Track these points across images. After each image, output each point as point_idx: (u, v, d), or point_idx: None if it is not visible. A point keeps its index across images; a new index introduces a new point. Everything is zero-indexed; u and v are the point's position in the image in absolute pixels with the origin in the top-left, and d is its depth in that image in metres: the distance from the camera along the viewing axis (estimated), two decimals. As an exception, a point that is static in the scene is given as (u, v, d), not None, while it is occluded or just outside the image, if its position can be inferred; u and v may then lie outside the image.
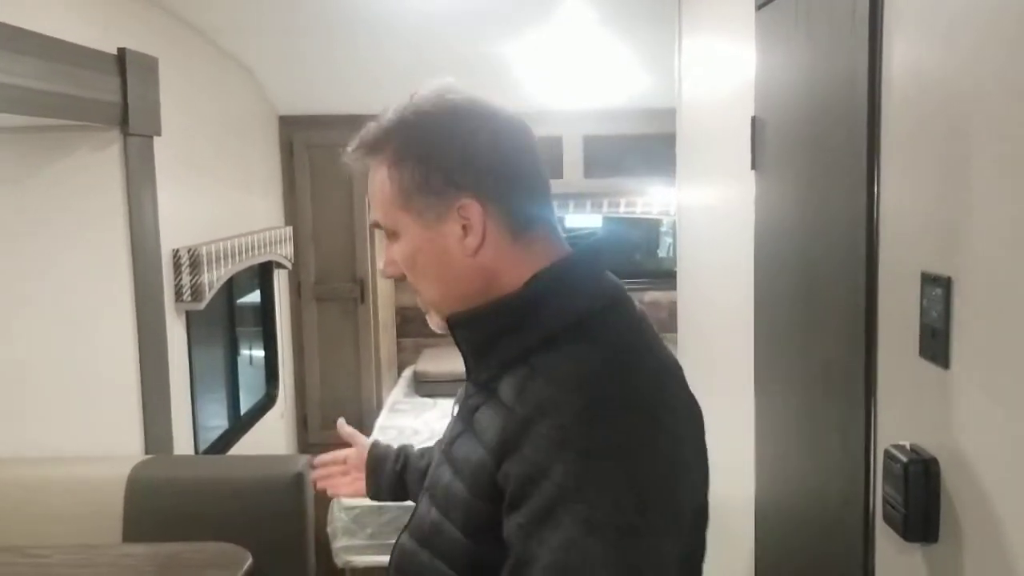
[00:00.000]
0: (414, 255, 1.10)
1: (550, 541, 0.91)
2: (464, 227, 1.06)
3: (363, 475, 1.57)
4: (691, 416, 1.07)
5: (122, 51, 2.59)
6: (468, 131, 1.06)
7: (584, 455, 0.94)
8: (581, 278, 1.10)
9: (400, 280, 1.13)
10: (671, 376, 1.08)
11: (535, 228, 1.10)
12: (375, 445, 1.59)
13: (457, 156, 1.06)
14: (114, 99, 2.55)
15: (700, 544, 1.07)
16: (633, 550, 0.92)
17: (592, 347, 1.03)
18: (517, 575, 0.94)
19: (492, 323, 1.08)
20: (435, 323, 1.15)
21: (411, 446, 1.58)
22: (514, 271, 1.08)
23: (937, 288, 1.14)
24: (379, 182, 1.09)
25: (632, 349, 1.07)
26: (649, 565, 0.93)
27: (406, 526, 1.20)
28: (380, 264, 1.15)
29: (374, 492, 1.56)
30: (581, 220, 7.70)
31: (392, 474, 1.53)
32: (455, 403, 1.20)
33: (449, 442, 1.14)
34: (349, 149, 1.11)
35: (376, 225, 1.11)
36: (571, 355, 1.02)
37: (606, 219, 7.30)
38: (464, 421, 1.11)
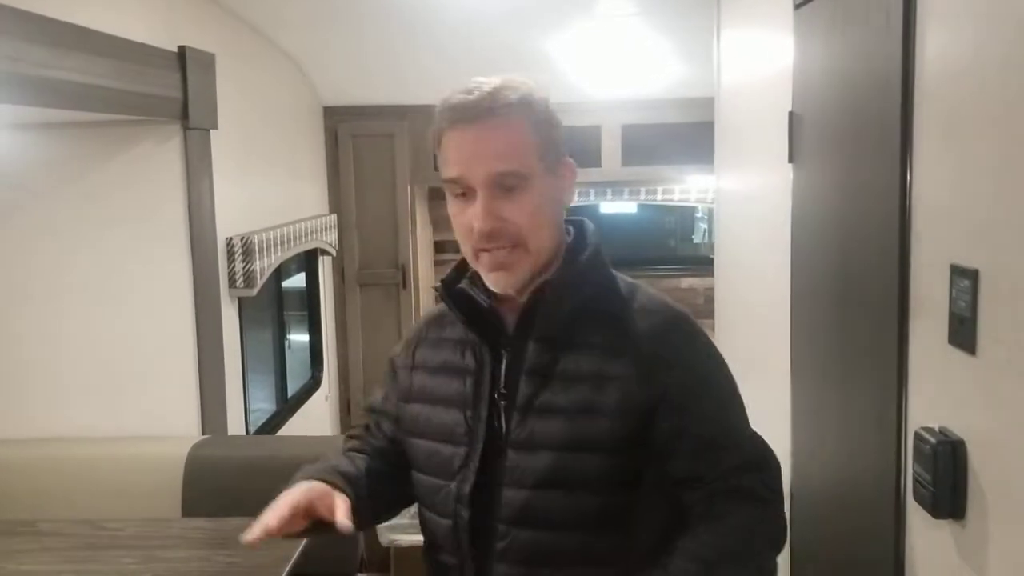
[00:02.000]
0: (541, 203, 1.24)
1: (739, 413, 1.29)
2: (565, 181, 1.29)
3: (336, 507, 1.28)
4: None
5: (182, 48, 2.70)
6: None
7: (710, 352, 1.30)
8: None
9: (493, 235, 1.22)
10: None
11: None
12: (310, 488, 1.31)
13: (561, 128, 1.29)
14: (175, 95, 2.66)
15: None
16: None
17: (639, 287, 1.33)
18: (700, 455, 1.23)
19: (590, 278, 1.29)
20: (508, 281, 1.26)
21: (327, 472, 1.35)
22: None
23: (965, 279, 1.19)
24: (518, 137, 1.22)
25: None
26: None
27: (473, 492, 1.24)
28: (478, 222, 1.22)
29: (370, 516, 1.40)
30: (618, 207, 7.74)
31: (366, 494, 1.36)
32: (476, 367, 1.30)
33: (532, 395, 1.25)
34: (490, 94, 1.22)
35: (500, 176, 1.20)
36: (643, 298, 1.30)
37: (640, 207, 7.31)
38: (541, 374, 1.26)
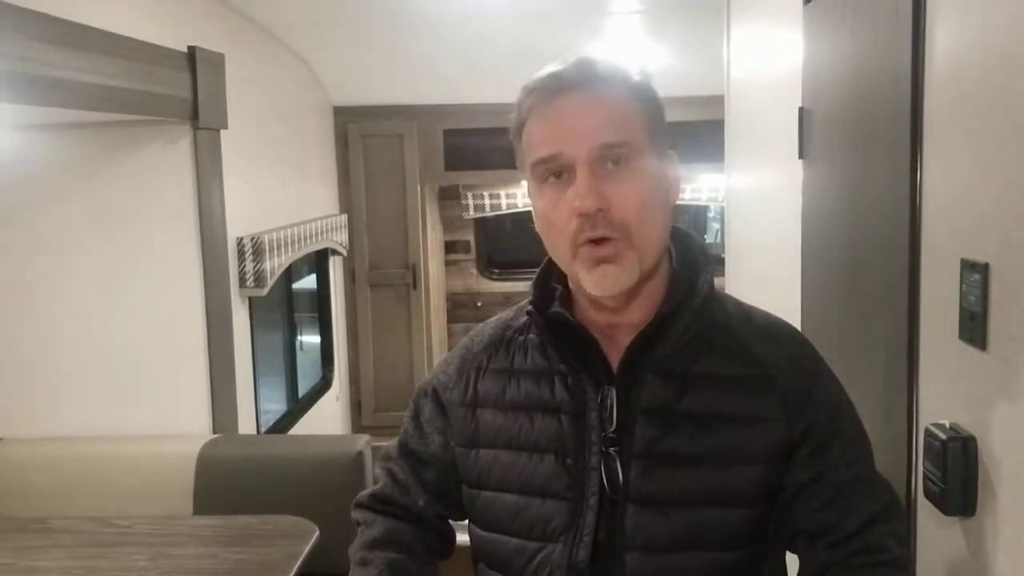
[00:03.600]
0: (651, 187, 1.06)
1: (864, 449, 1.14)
2: (672, 175, 1.11)
3: None
4: None
5: (192, 49, 2.71)
6: None
7: (837, 383, 1.17)
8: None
9: (597, 220, 1.03)
10: None
11: None
12: None
13: (665, 114, 1.12)
14: (185, 95, 2.67)
15: None
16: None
17: (742, 303, 1.17)
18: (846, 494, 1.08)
19: (711, 299, 1.12)
20: (617, 278, 1.05)
21: None
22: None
23: (975, 274, 1.18)
24: (625, 106, 1.06)
25: None
26: None
27: (593, 556, 1.06)
28: (580, 201, 1.01)
29: None
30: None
31: None
32: (574, 405, 1.10)
33: (656, 440, 1.07)
34: (590, 70, 1.06)
35: (605, 148, 1.03)
36: (759, 317, 1.15)
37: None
38: (663, 414, 1.07)
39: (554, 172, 1.05)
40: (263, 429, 3.54)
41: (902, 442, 1.44)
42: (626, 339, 1.09)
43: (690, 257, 1.14)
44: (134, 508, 2.53)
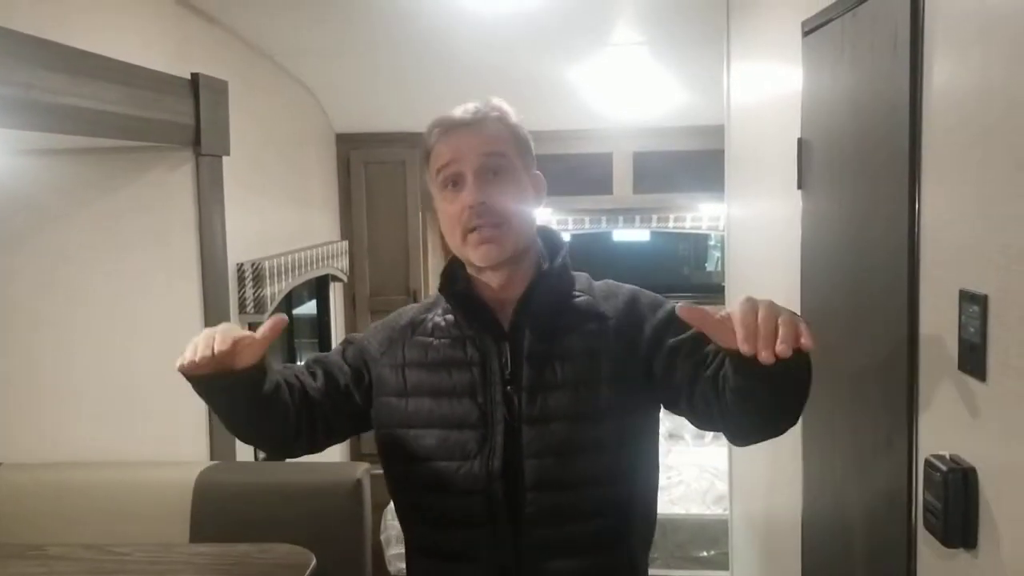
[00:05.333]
0: (520, 190, 1.48)
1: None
2: (536, 187, 1.53)
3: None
4: None
5: (195, 76, 2.73)
6: None
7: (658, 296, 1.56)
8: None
9: (482, 211, 1.43)
10: None
11: None
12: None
13: (532, 147, 1.54)
14: (188, 121, 2.69)
15: None
16: None
17: (586, 276, 1.59)
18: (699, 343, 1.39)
19: (566, 274, 1.56)
20: (496, 253, 1.45)
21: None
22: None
23: (974, 305, 1.19)
24: (500, 135, 1.48)
25: None
26: None
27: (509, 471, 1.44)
28: (470, 198, 1.45)
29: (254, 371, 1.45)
30: (631, 235, 7.75)
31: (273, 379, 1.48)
32: (481, 358, 1.48)
33: (535, 376, 1.45)
34: (477, 109, 1.48)
35: (487, 158, 1.45)
36: (602, 284, 1.57)
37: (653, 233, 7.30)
38: (540, 357, 1.46)
39: (452, 180, 1.46)
40: (261, 456, 3.52)
41: (902, 473, 1.44)
42: (507, 309, 1.50)
43: (551, 246, 1.55)
44: (131, 534, 2.51)
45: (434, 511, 1.50)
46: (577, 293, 1.53)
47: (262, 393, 1.44)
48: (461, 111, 1.49)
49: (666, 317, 1.48)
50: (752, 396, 1.26)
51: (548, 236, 1.58)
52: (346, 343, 1.62)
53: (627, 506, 1.49)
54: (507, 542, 1.45)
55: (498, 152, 1.46)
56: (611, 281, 1.58)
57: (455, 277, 1.55)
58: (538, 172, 1.54)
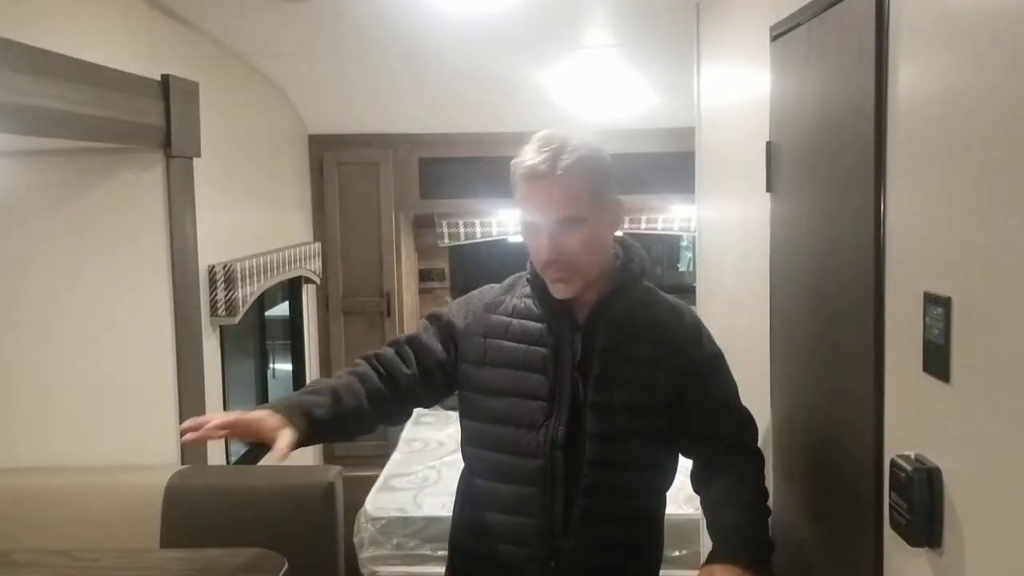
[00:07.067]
0: (592, 236, 1.65)
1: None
2: (615, 216, 1.72)
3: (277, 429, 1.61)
4: None
5: (166, 77, 2.71)
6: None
7: (714, 342, 1.83)
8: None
9: (552, 262, 1.65)
10: None
11: None
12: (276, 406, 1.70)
13: (613, 174, 1.71)
14: (158, 123, 2.66)
15: None
16: None
17: (660, 292, 1.83)
18: (725, 412, 1.80)
19: (640, 285, 1.79)
20: (565, 291, 1.67)
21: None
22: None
23: (938, 307, 1.20)
24: (577, 187, 1.61)
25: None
26: None
27: (576, 483, 1.69)
28: (545, 253, 1.65)
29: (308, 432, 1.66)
30: (603, 236, 7.80)
31: (328, 414, 1.69)
32: (555, 342, 1.71)
33: (604, 368, 1.69)
34: (556, 162, 1.60)
35: (562, 220, 1.61)
36: (667, 301, 1.81)
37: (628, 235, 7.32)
38: (611, 353, 1.70)
39: (531, 228, 1.65)
40: (233, 459, 3.50)
41: (869, 473, 1.46)
42: (584, 308, 1.71)
43: (631, 258, 1.76)
44: (100, 540, 2.49)
45: (497, 469, 1.72)
46: (646, 302, 1.76)
47: (326, 427, 1.68)
48: (540, 157, 1.60)
49: (707, 361, 1.77)
50: None
51: (628, 247, 1.80)
52: (433, 318, 1.82)
53: (660, 489, 1.81)
54: (559, 505, 1.68)
55: (573, 216, 1.61)
56: (676, 299, 1.83)
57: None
58: (619, 198, 1.72)
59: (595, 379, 1.68)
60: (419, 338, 1.80)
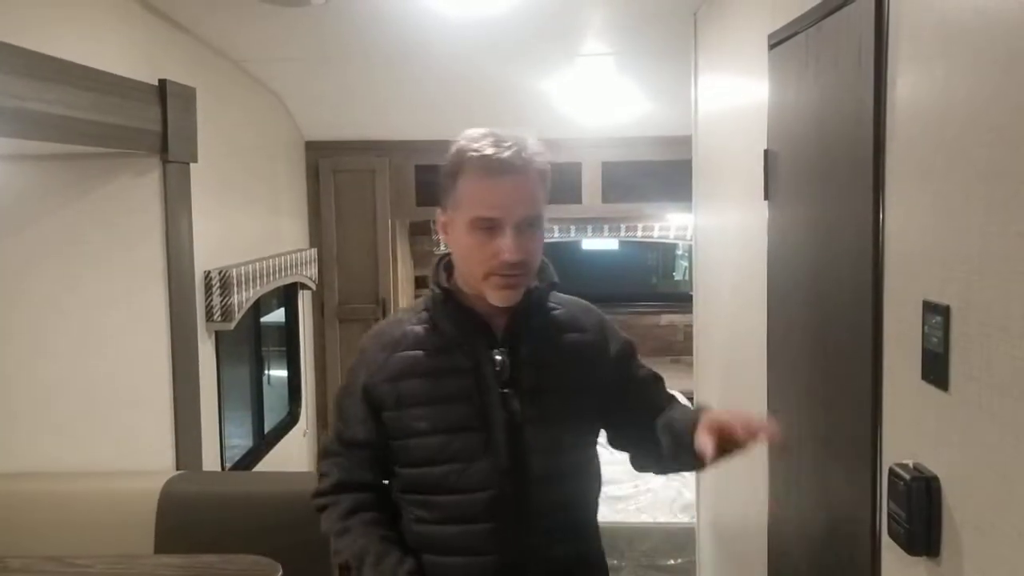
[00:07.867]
0: (542, 238, 1.57)
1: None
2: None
3: None
4: None
5: (163, 82, 2.70)
6: None
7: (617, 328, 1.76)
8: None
9: (517, 264, 1.51)
10: None
11: None
12: None
13: None
14: (155, 128, 2.66)
15: None
16: None
17: (567, 297, 1.73)
18: (657, 380, 1.75)
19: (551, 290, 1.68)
20: (515, 297, 1.55)
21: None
22: None
23: (937, 316, 1.20)
24: (537, 187, 1.54)
25: None
26: None
27: (510, 482, 1.56)
28: (510, 255, 1.50)
29: None
30: (599, 244, 7.78)
31: None
32: (472, 365, 1.57)
33: (535, 380, 1.58)
34: (521, 157, 1.51)
35: (528, 218, 1.51)
36: (574, 301, 1.73)
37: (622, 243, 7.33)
38: (539, 364, 1.60)
39: (487, 226, 1.50)
40: (228, 465, 3.49)
41: (867, 482, 1.45)
42: (500, 320, 1.58)
43: (544, 262, 1.65)
44: (95, 546, 2.48)
45: (441, 511, 1.58)
46: (554, 305, 1.67)
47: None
48: (500, 149, 1.49)
49: (625, 347, 1.72)
50: (683, 467, 1.72)
51: None
52: (345, 396, 1.67)
53: (596, 495, 1.72)
54: (512, 535, 1.56)
55: (536, 215, 1.53)
56: (578, 299, 1.75)
57: (442, 282, 1.62)
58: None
59: (530, 392, 1.57)
60: (344, 437, 1.66)
